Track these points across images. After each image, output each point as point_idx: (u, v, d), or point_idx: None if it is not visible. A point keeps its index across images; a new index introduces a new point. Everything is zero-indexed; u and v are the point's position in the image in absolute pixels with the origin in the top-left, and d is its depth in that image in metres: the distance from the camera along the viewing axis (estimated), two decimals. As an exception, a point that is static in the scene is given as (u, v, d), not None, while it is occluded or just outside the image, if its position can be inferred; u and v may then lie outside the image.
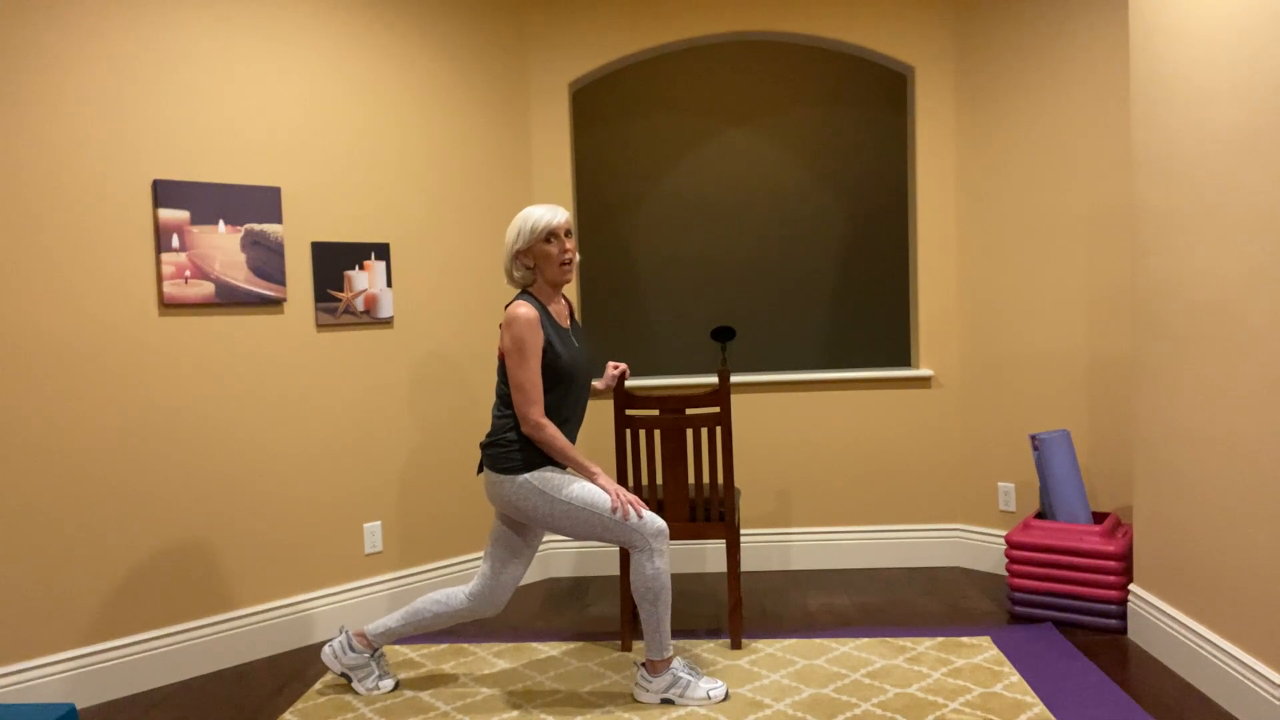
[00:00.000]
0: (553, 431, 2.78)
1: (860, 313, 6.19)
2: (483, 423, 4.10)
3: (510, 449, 2.81)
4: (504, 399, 2.86)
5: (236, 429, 3.35)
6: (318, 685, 3.11)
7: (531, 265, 2.86)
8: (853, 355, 6.21)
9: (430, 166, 3.89)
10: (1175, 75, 2.88)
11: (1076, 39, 3.76)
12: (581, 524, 2.81)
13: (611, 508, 2.79)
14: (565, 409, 2.88)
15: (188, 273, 3.21)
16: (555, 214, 2.84)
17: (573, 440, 2.95)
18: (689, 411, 4.33)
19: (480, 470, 2.94)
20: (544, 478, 2.81)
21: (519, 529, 2.94)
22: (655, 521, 2.83)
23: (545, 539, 4.36)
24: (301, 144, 3.50)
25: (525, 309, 2.76)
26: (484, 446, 2.88)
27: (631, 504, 2.81)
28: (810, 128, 6.08)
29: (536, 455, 2.82)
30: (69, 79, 2.98)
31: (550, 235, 2.83)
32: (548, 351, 2.80)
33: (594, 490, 2.81)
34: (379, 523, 3.75)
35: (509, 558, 2.94)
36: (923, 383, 4.28)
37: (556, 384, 2.83)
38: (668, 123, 6.12)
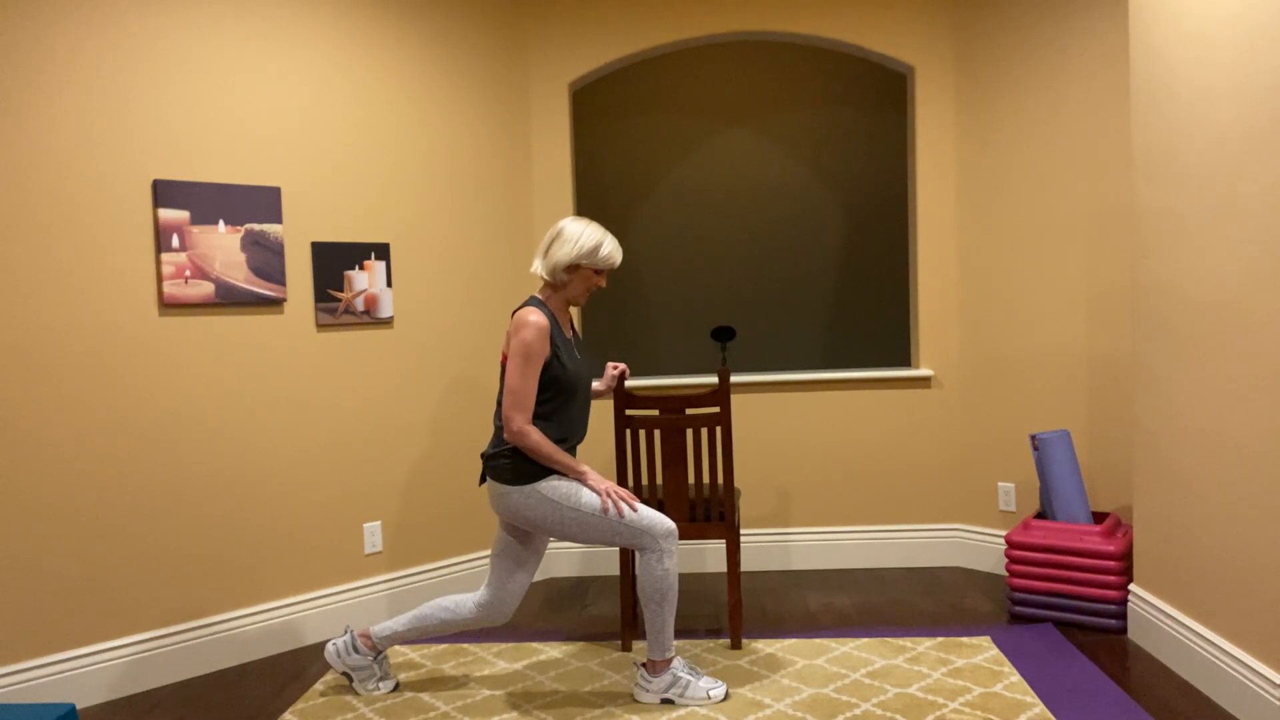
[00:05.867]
0: (537, 438, 2.75)
1: (860, 313, 6.19)
2: (483, 423, 4.10)
3: (516, 460, 2.80)
4: None
5: (236, 429, 3.35)
6: (318, 685, 3.11)
7: (566, 280, 2.86)
8: (853, 355, 6.20)
9: (430, 166, 3.89)
10: (1175, 75, 2.88)
11: (1077, 39, 3.76)
12: (592, 530, 2.80)
13: (602, 509, 2.78)
14: (565, 425, 2.86)
15: (188, 273, 3.21)
16: (619, 254, 2.87)
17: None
18: (689, 411, 4.33)
19: (482, 481, 2.93)
20: (553, 486, 2.80)
21: (524, 538, 2.93)
22: (665, 522, 2.83)
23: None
24: (301, 144, 3.50)
25: (537, 316, 2.75)
26: (488, 458, 2.85)
27: (625, 499, 2.80)
28: (810, 128, 6.08)
29: (540, 464, 2.82)
30: (70, 79, 2.98)
31: (603, 270, 2.86)
32: (553, 363, 2.79)
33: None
34: (379, 523, 3.75)
35: (515, 568, 2.93)
36: (923, 383, 4.29)
37: (557, 395, 2.82)
38: (668, 122, 6.12)
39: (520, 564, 2.93)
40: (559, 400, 2.83)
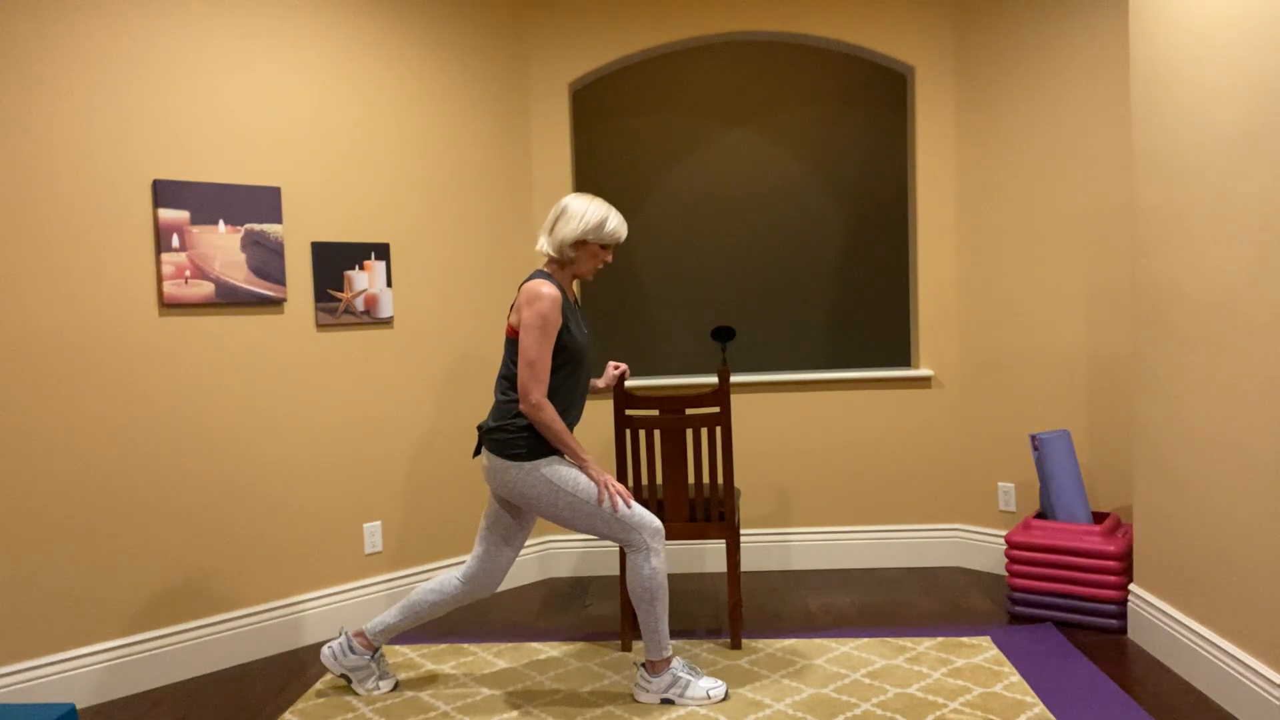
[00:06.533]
0: (552, 413, 2.76)
1: (860, 313, 6.19)
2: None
3: (519, 436, 2.80)
4: (511, 380, 2.85)
5: (236, 429, 3.35)
6: (318, 685, 3.11)
7: (573, 256, 2.87)
8: (853, 355, 6.20)
9: (430, 166, 3.89)
10: (1175, 75, 2.88)
11: (1077, 39, 3.76)
12: (583, 518, 2.81)
13: (598, 499, 2.79)
14: (571, 395, 2.88)
15: (188, 273, 3.21)
16: (624, 229, 2.88)
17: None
18: (689, 411, 4.33)
19: (477, 453, 2.94)
20: (554, 469, 2.81)
21: (515, 513, 2.95)
22: (654, 521, 2.84)
23: (547, 537, 4.36)
24: (301, 144, 3.50)
25: (549, 287, 2.76)
26: (488, 430, 2.85)
27: (620, 494, 2.81)
28: (810, 128, 6.08)
29: (544, 443, 2.82)
30: (70, 79, 2.98)
31: (609, 245, 2.87)
32: (563, 333, 2.80)
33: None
34: (379, 523, 3.75)
35: (503, 542, 2.95)
36: (923, 383, 4.28)
37: (566, 364, 2.83)
38: (668, 123, 6.12)
39: (509, 539, 2.95)
40: (566, 370, 2.84)
